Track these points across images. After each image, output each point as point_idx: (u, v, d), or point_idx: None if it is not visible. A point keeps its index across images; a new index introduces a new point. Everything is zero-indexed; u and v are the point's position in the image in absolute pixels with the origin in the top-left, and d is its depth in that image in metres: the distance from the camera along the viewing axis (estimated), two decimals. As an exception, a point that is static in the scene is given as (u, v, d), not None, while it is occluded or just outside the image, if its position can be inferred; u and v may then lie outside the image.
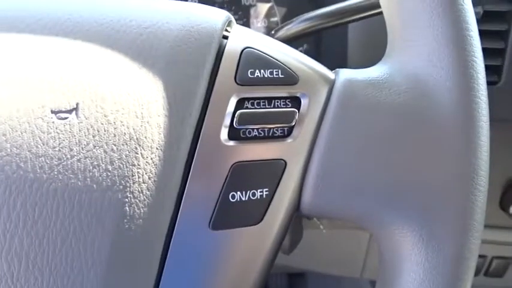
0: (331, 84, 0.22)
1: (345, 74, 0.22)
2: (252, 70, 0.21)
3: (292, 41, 0.43)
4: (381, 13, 0.25)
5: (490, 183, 0.21)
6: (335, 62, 0.57)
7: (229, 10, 0.60)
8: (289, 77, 0.22)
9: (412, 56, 0.22)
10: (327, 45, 0.59)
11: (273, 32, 0.44)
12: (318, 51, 0.60)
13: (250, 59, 0.21)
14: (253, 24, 0.61)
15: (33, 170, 0.18)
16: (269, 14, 0.61)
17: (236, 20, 0.61)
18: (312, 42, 0.60)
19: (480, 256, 0.64)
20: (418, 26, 0.22)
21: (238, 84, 0.21)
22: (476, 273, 0.67)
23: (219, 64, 0.21)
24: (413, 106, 0.21)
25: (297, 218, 0.63)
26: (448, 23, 0.21)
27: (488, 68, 0.49)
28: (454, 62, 0.21)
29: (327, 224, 0.62)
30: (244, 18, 0.61)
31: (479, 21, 0.46)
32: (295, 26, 0.43)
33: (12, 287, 0.18)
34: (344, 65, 0.55)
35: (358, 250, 0.68)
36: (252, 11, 0.61)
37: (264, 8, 0.61)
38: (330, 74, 0.23)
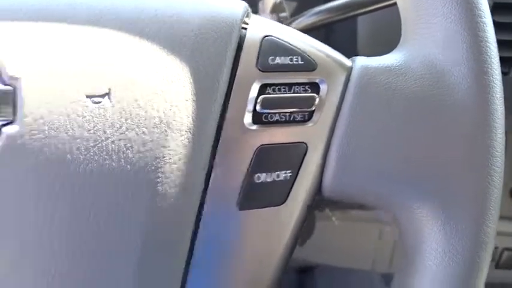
0: (349, 71, 0.23)
1: (362, 61, 0.23)
2: (273, 57, 0.22)
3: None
4: (391, 5, 0.26)
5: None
6: (345, 56, 0.57)
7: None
8: (308, 64, 0.22)
9: (426, 43, 0.23)
10: (337, 39, 0.59)
11: (284, 26, 0.45)
12: (328, 45, 0.60)
13: (270, 46, 0.22)
14: (262, 20, 0.62)
15: (70, 151, 0.19)
16: (278, 9, 0.61)
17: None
18: (321, 37, 0.60)
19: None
20: (432, 14, 0.22)
21: (260, 70, 0.22)
22: (486, 265, 0.67)
23: (241, 52, 0.22)
24: (429, 91, 0.22)
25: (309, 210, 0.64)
26: (462, 10, 0.22)
27: (497, 59, 0.49)
28: (468, 48, 0.21)
29: (339, 215, 0.62)
30: (252, 12, 0.61)
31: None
32: (305, 20, 0.44)
33: (53, 262, 0.19)
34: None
35: (369, 243, 0.69)
36: (260, 5, 0.61)
37: (272, 2, 0.61)
38: (347, 61, 0.24)
